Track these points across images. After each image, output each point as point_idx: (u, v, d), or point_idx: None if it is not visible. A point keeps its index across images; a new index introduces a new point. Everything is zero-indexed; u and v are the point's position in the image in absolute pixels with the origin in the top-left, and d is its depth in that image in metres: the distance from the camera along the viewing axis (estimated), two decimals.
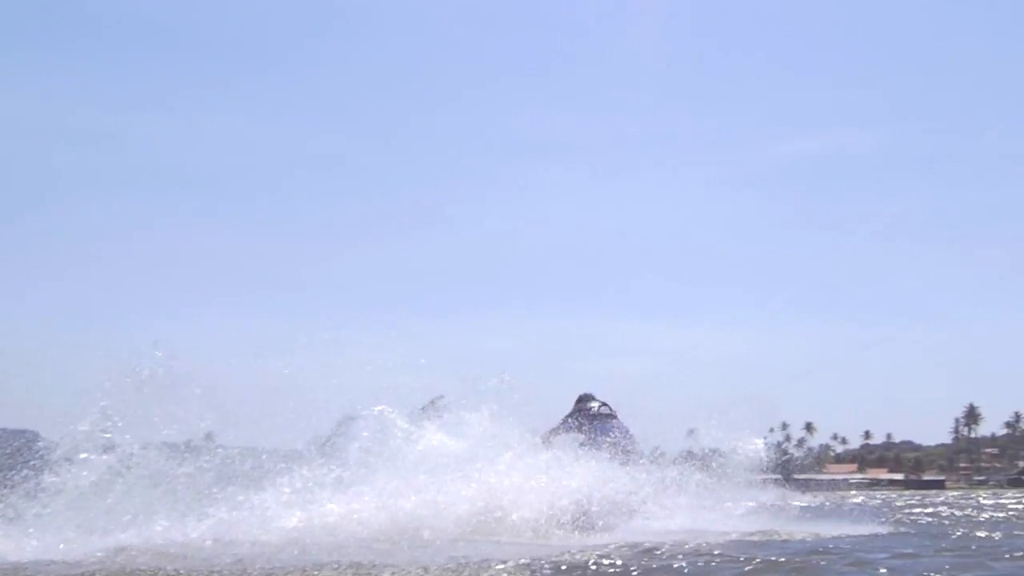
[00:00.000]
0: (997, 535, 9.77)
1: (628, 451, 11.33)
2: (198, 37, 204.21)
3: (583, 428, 11.40)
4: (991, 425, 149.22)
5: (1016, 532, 10.43)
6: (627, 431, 11.59)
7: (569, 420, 11.69)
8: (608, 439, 11.21)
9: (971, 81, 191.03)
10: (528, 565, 6.41)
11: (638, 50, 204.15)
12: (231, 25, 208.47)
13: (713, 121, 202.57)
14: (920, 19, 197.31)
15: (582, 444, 11.16)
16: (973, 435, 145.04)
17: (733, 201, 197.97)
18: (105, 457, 8.92)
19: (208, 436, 13.86)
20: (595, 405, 11.75)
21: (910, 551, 7.70)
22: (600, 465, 10.17)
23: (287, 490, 8.98)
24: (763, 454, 12.69)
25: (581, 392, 12.33)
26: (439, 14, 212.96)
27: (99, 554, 6.96)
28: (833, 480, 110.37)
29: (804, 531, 9.63)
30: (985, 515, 16.62)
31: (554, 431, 11.61)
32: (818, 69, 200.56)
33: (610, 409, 11.80)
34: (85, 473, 8.73)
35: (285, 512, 8.59)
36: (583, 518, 9.45)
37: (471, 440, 10.12)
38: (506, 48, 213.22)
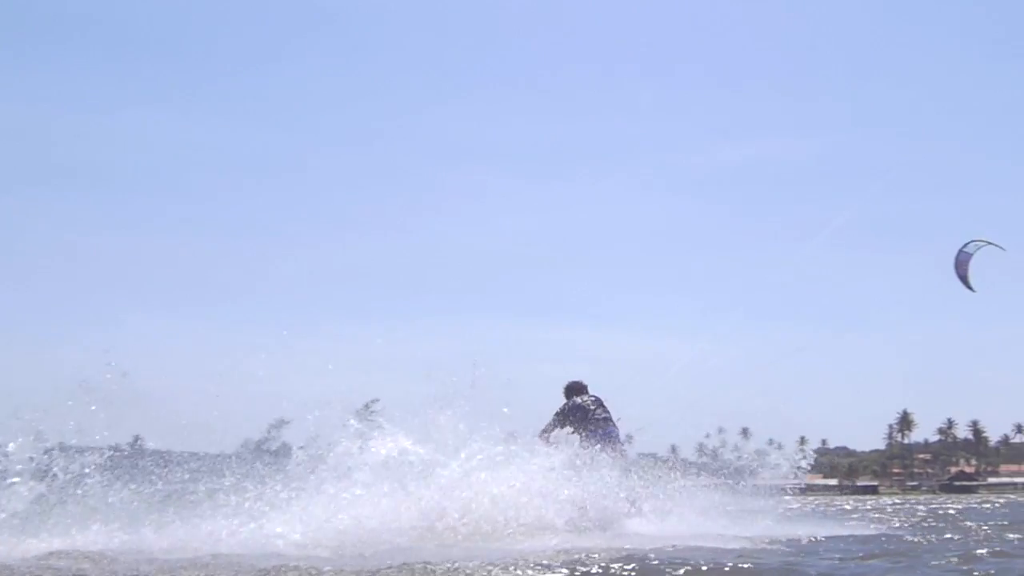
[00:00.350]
0: (929, 540, 10.04)
1: (624, 454, 11.23)
2: (130, 34, 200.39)
3: (580, 431, 11.05)
4: (924, 431, 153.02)
5: (947, 536, 10.73)
6: (619, 436, 11.36)
7: (568, 418, 11.29)
8: (615, 446, 10.97)
9: (906, 91, 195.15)
10: (452, 570, 6.50)
11: (576, 56, 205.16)
12: (165, 21, 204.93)
13: (652, 127, 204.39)
14: (857, 28, 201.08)
15: (582, 445, 10.77)
16: (906, 441, 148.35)
17: (671, 206, 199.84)
18: (32, 484, 8.52)
19: (136, 440, 13.66)
20: (592, 407, 11.35)
21: (839, 556, 7.90)
22: (599, 474, 10.07)
23: (236, 521, 8.71)
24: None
25: (569, 381, 11.88)
26: (382, 20, 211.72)
27: (16, 561, 6.88)
28: (767, 485, 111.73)
29: (741, 536, 9.76)
30: (916, 519, 17.05)
31: (550, 426, 11.29)
32: (755, 77, 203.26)
33: (605, 409, 11.44)
34: (12, 503, 8.37)
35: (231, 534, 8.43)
36: (581, 519, 9.55)
37: (436, 445, 9.90)
38: (443, 54, 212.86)
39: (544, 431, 11.27)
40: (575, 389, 11.70)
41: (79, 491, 8.70)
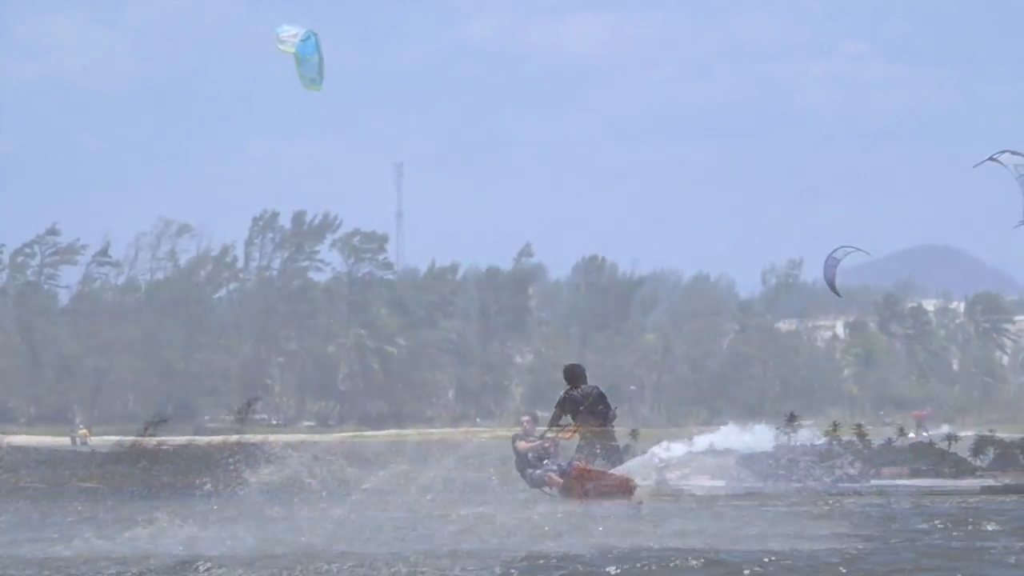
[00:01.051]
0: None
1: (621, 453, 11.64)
2: None
3: (583, 424, 11.19)
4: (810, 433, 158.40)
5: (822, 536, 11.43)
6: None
7: (571, 408, 11.36)
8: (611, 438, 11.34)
9: (788, 99, 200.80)
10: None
11: (477, 52, 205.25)
12: None
13: (551, 126, 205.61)
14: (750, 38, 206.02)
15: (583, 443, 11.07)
16: (792, 443, 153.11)
17: (572, 204, 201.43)
18: None
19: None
20: (594, 403, 11.38)
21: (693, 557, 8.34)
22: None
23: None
24: None
25: (568, 365, 12.11)
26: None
27: None
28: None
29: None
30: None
31: (556, 417, 11.42)
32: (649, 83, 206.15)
33: (606, 404, 11.52)
34: None
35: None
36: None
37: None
38: (344, 48, 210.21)
39: (552, 422, 11.49)
40: (575, 375, 11.70)
41: None
